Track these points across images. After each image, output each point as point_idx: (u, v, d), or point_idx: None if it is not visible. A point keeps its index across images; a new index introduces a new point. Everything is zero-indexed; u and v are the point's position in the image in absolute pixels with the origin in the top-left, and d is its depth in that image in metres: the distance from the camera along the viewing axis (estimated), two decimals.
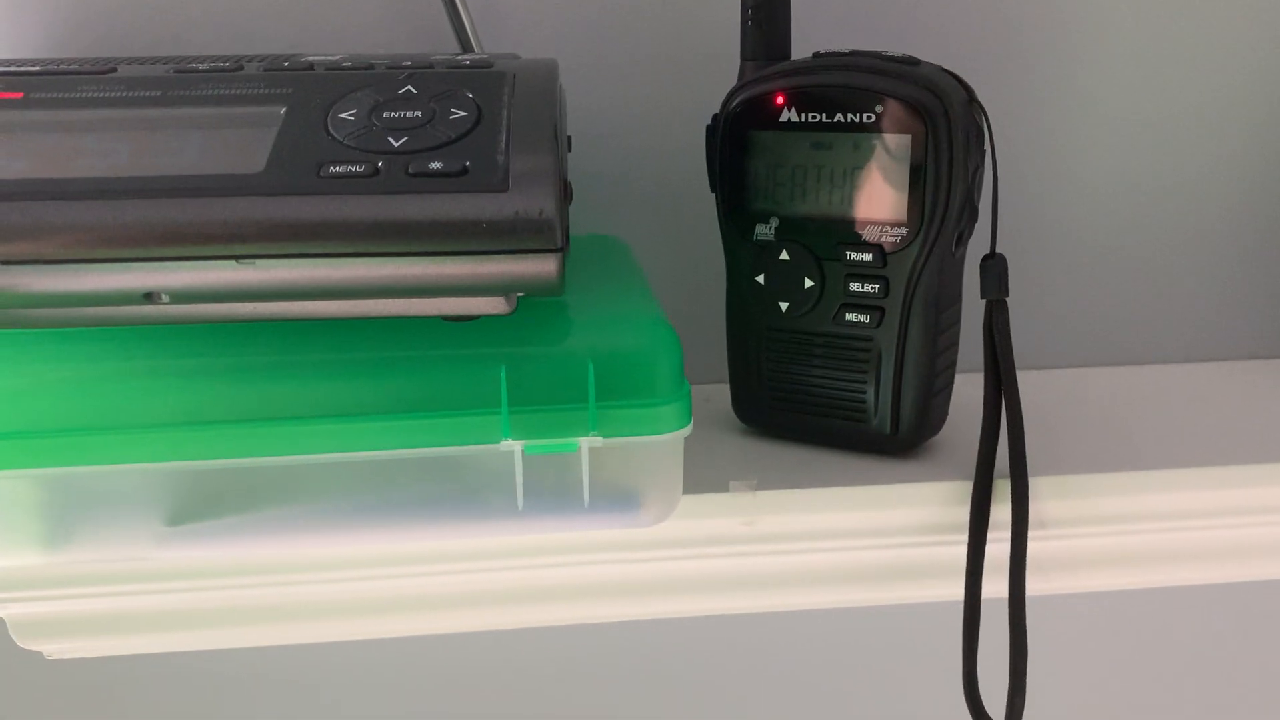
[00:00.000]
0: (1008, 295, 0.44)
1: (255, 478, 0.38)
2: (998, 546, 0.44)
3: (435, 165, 0.34)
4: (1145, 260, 0.59)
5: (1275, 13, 0.56)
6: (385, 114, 0.36)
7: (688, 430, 0.39)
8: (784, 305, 0.46)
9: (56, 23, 0.50)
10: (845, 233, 0.44)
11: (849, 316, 0.45)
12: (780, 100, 0.44)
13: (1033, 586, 0.44)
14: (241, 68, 0.39)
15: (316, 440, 0.37)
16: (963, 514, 0.44)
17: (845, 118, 0.43)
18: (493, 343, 0.37)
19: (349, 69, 0.39)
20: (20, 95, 0.37)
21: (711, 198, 0.47)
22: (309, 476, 0.38)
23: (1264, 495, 0.46)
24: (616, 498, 0.39)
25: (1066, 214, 0.58)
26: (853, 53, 0.44)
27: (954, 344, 0.47)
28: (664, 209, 0.55)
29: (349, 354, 0.37)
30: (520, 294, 0.35)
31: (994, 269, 0.44)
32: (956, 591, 0.44)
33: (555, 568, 0.45)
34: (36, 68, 0.39)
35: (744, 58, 0.46)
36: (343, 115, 0.36)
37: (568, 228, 0.37)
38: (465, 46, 0.50)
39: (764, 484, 0.44)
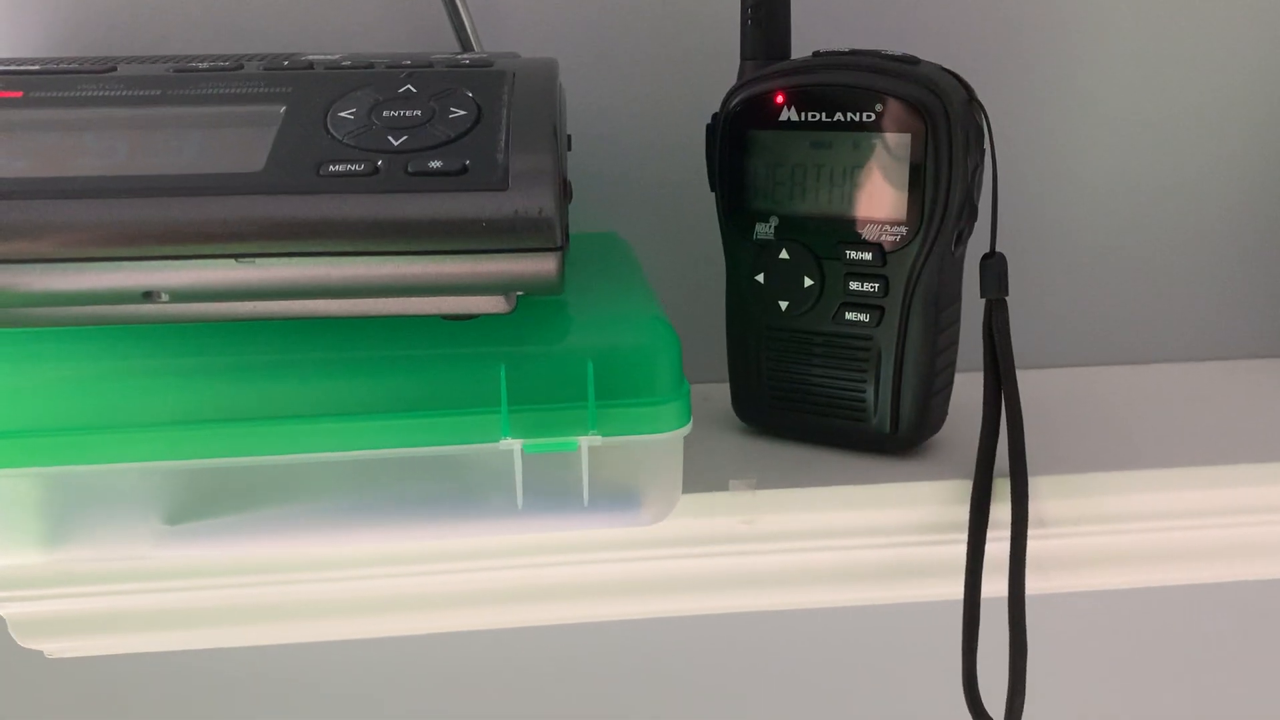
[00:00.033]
0: (1007, 294, 0.44)
1: (254, 477, 0.38)
2: (997, 545, 0.44)
3: (435, 164, 0.34)
4: (1145, 259, 0.59)
5: (1275, 13, 0.56)
6: (385, 113, 0.36)
7: (687, 429, 0.39)
8: (784, 304, 0.46)
9: (57, 23, 0.50)
10: (845, 232, 0.44)
11: (849, 315, 0.45)
12: (780, 99, 0.44)
13: (1032, 585, 0.44)
14: (241, 67, 0.39)
15: (316, 439, 0.37)
16: (962, 513, 0.44)
17: (845, 117, 0.43)
18: (492, 341, 0.37)
19: (349, 68, 0.39)
20: (20, 94, 0.37)
21: (711, 197, 0.47)
22: (308, 475, 0.38)
23: (1264, 494, 0.46)
24: (616, 496, 0.39)
25: (1066, 213, 0.58)
26: (852, 52, 0.44)
27: (954, 343, 0.47)
28: (664, 208, 0.55)
29: (348, 353, 0.37)
30: (520, 293, 0.35)
31: (994, 268, 0.44)
32: (956, 590, 0.44)
33: (555, 566, 0.45)
34: (36, 67, 0.39)
35: (744, 57, 0.46)
36: (342, 114, 0.36)
37: (567, 226, 0.37)
38: (465, 45, 0.50)
39: (764, 483, 0.44)
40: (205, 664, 0.62)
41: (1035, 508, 0.44)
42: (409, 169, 0.33)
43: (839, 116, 0.43)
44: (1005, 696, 0.44)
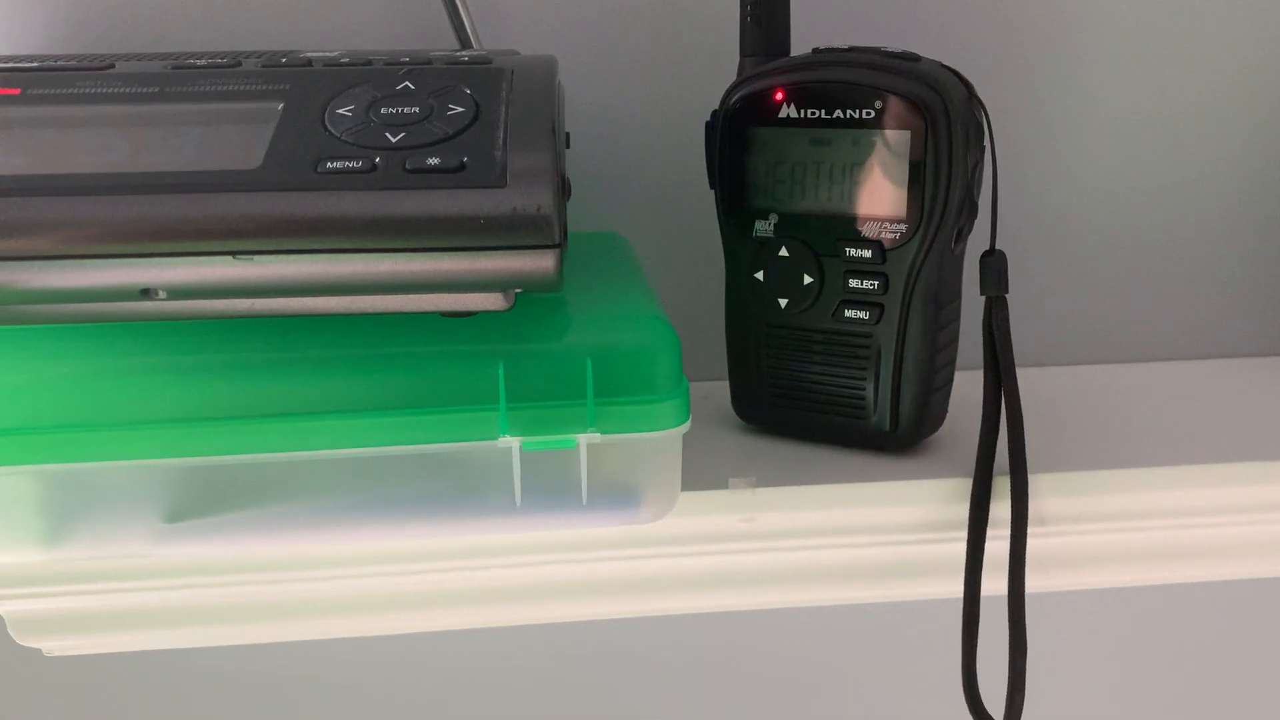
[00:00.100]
0: (1007, 292, 0.44)
1: (253, 474, 0.37)
2: (997, 544, 0.44)
3: (433, 161, 0.33)
4: (1145, 258, 0.59)
5: (1275, 13, 0.56)
6: (383, 110, 0.36)
7: (686, 427, 0.39)
8: (783, 302, 0.46)
9: (56, 22, 0.50)
10: (845, 229, 0.44)
11: (848, 313, 0.45)
12: (779, 96, 0.44)
13: (1032, 584, 0.44)
14: (239, 64, 0.39)
15: (314, 436, 0.37)
16: (962, 511, 0.44)
17: (845, 114, 0.43)
18: (491, 339, 0.37)
19: (347, 65, 0.39)
20: (18, 91, 0.37)
21: (711, 194, 0.47)
22: (307, 473, 0.38)
23: (1263, 493, 0.46)
24: (615, 494, 0.39)
25: (1066, 211, 0.58)
26: (852, 49, 0.44)
27: (953, 341, 0.47)
28: (663, 206, 0.55)
29: (347, 350, 0.37)
30: (518, 290, 0.35)
31: (994, 265, 0.44)
32: (956, 589, 0.44)
33: (554, 564, 0.45)
34: (34, 64, 0.39)
35: (743, 54, 0.46)
36: (340, 111, 0.36)
37: (565, 224, 0.37)
38: (464, 43, 0.50)
39: (763, 481, 0.44)
40: (204, 662, 0.62)
41: (1035, 506, 0.44)
42: (407, 166, 0.33)
43: (839, 113, 0.43)
44: (1005, 695, 0.44)
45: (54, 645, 0.45)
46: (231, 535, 0.38)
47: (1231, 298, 0.60)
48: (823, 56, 0.44)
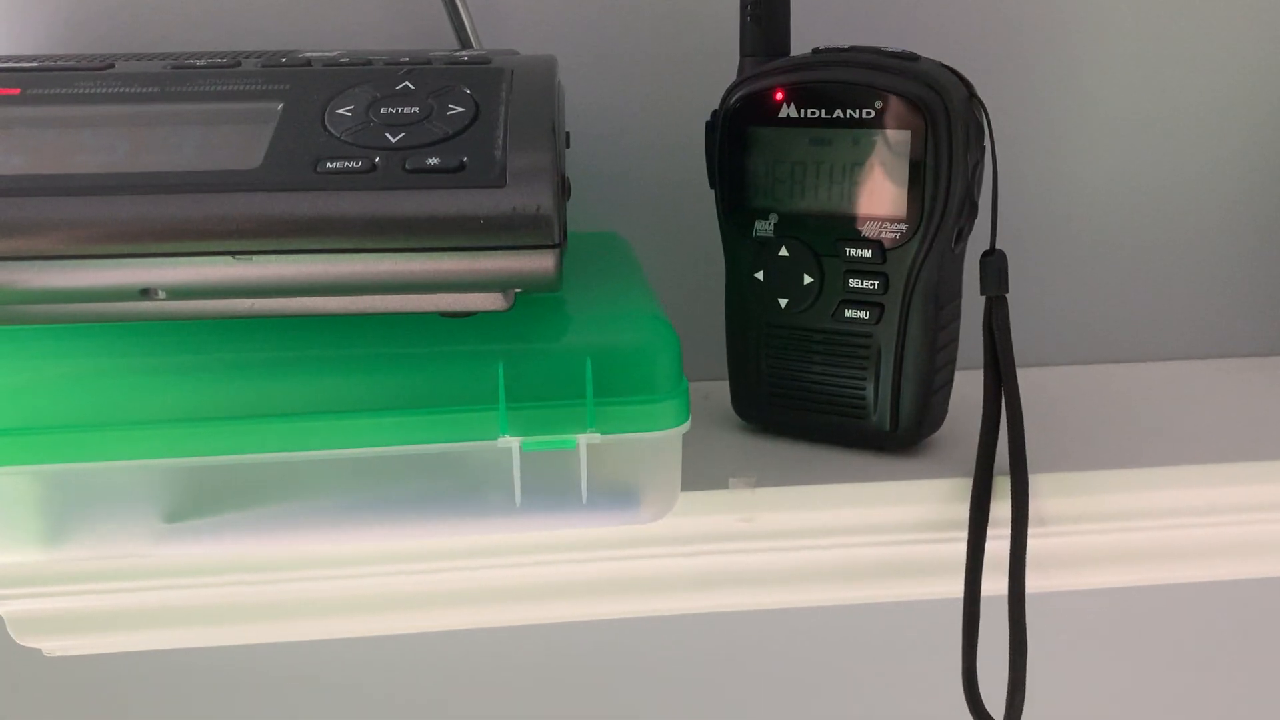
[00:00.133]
0: (1008, 291, 0.44)
1: (253, 474, 0.37)
2: (997, 543, 0.44)
3: (432, 161, 0.33)
4: (1145, 257, 0.59)
5: (1275, 13, 0.56)
6: (383, 110, 0.36)
7: (686, 427, 0.39)
8: (783, 302, 0.46)
9: (57, 22, 0.50)
10: (845, 229, 0.44)
11: (848, 313, 0.45)
12: (779, 96, 0.44)
13: (1032, 583, 0.44)
14: (239, 64, 0.39)
15: (314, 436, 0.37)
16: (962, 511, 0.44)
17: (845, 114, 0.43)
18: (490, 339, 0.37)
19: (346, 65, 0.39)
20: (17, 91, 0.37)
21: (711, 194, 0.47)
22: (307, 473, 0.38)
23: (1263, 492, 0.46)
24: (615, 494, 0.39)
25: (1066, 210, 0.58)
26: (852, 49, 0.44)
27: (954, 340, 0.47)
28: (663, 206, 0.55)
29: (346, 350, 0.37)
30: (518, 290, 0.35)
31: (994, 265, 0.44)
32: (956, 588, 0.44)
33: (553, 564, 0.45)
34: (34, 64, 0.39)
35: (743, 54, 0.46)
36: (340, 111, 0.36)
37: (565, 224, 0.37)
38: (464, 43, 0.50)
39: (763, 481, 0.44)
40: (203, 662, 0.62)
41: (1035, 506, 0.44)
42: (407, 166, 0.33)
43: (839, 113, 0.43)
44: (1005, 695, 0.44)
45: (54, 645, 0.45)
46: (231, 535, 0.38)
47: (1231, 298, 0.60)
48: (822, 56, 0.44)
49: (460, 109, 0.36)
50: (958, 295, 0.46)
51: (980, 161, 0.44)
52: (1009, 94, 0.55)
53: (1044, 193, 0.57)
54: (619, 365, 0.37)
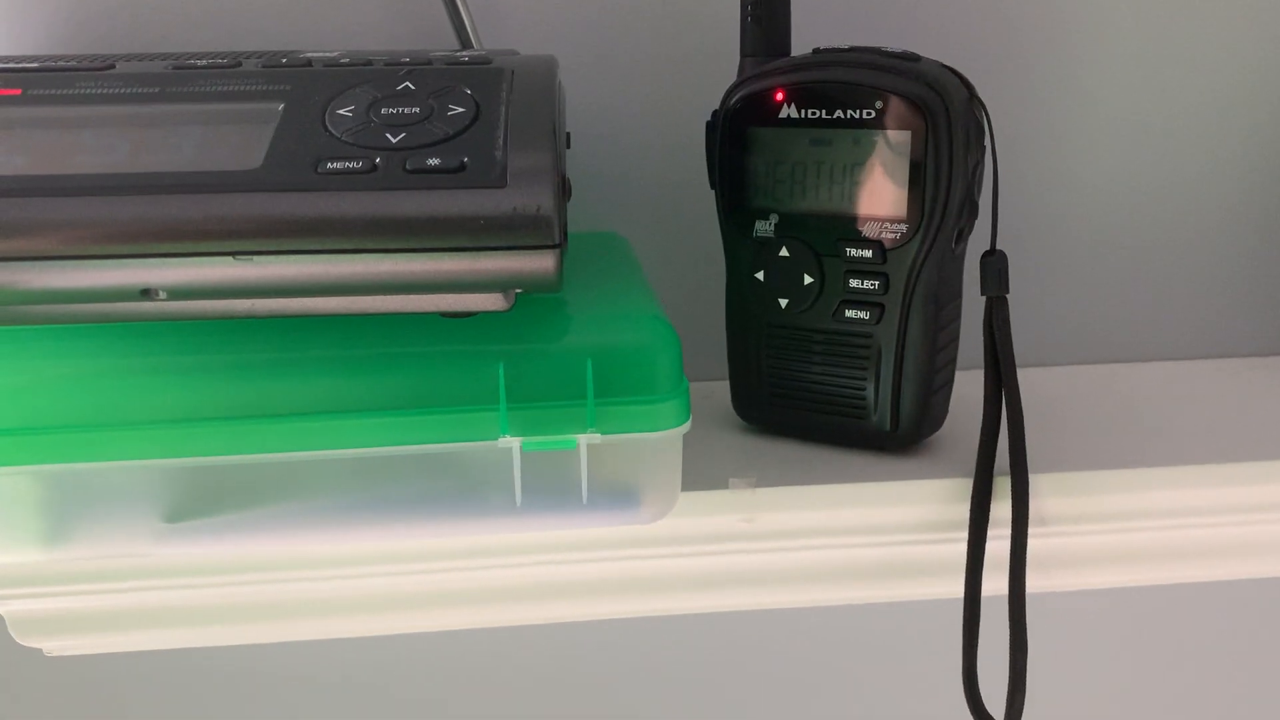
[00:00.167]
0: (1008, 292, 0.44)
1: (253, 474, 0.38)
2: (998, 544, 0.44)
3: (433, 161, 0.33)
4: (1146, 257, 0.59)
5: (1275, 13, 0.56)
6: (383, 110, 0.36)
7: (687, 427, 0.39)
8: (784, 302, 0.46)
9: (58, 22, 0.50)
10: (845, 229, 0.44)
11: (849, 313, 0.45)
12: (780, 97, 0.44)
13: (1033, 584, 0.44)
14: (240, 64, 0.39)
15: (315, 437, 0.37)
16: (963, 511, 0.44)
17: (845, 114, 0.43)
18: (491, 339, 0.37)
19: (347, 65, 0.39)
20: (18, 91, 0.37)
21: (711, 194, 0.47)
22: (307, 473, 0.38)
23: (1264, 493, 0.46)
24: (615, 495, 0.39)
25: (1067, 211, 0.58)
26: (853, 49, 0.44)
27: (954, 340, 0.47)
28: (664, 206, 0.55)
29: (347, 350, 0.37)
30: (518, 290, 0.35)
31: (994, 265, 0.44)
32: (957, 589, 0.44)
33: (554, 565, 0.45)
34: (35, 64, 0.39)
35: (743, 54, 0.46)
36: (341, 111, 0.36)
37: (566, 224, 0.37)
38: (465, 43, 0.50)
39: (764, 481, 0.44)
40: (204, 662, 0.62)
41: (1036, 506, 0.44)
42: (407, 166, 0.33)
43: (839, 114, 0.43)
44: (1006, 695, 0.44)
45: (55, 645, 0.45)
46: (232, 535, 0.39)
47: (1231, 298, 0.60)
48: (823, 57, 0.44)
49: (461, 109, 0.36)
50: (958, 295, 0.46)
51: (981, 162, 0.44)
52: (1009, 94, 0.55)
53: (1044, 193, 0.57)
54: (619, 365, 0.37)
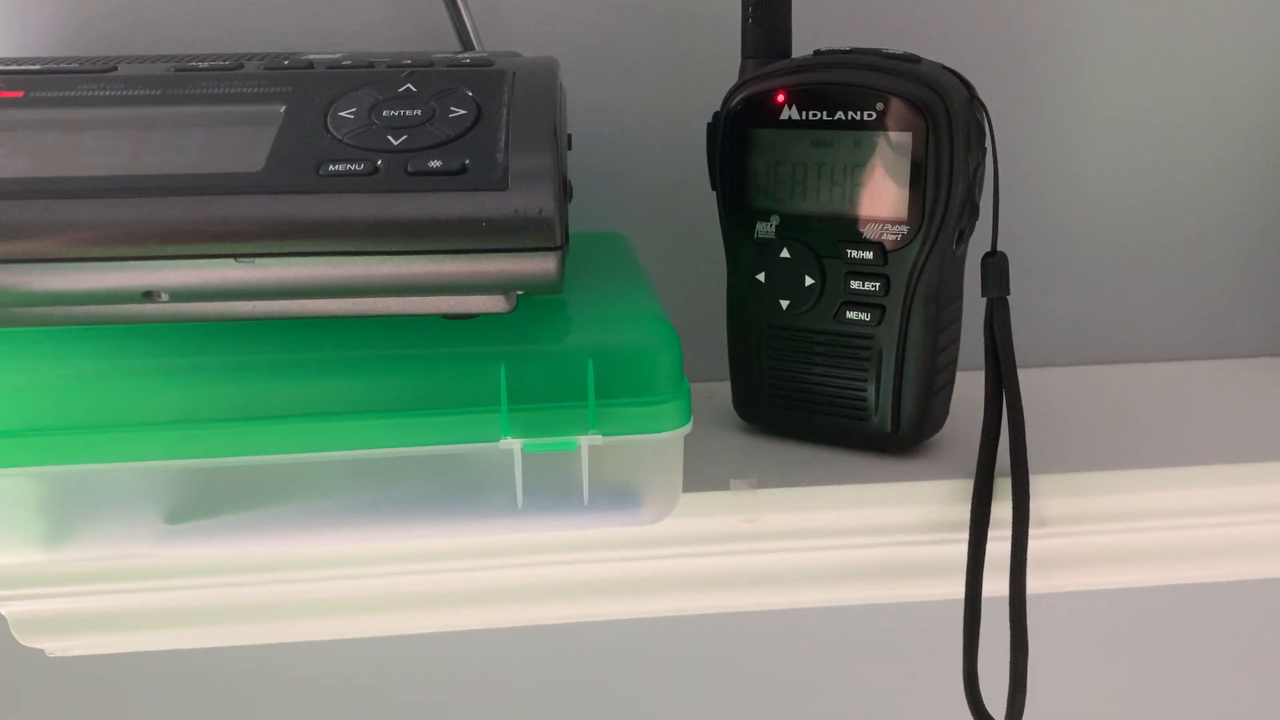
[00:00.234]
0: (1009, 293, 0.44)
1: (255, 475, 0.38)
2: (999, 545, 0.44)
3: (434, 164, 0.34)
4: (1146, 258, 0.59)
5: (1275, 13, 0.56)
6: (385, 112, 0.36)
7: (688, 428, 0.39)
8: (785, 303, 0.46)
9: (59, 22, 0.50)
10: (846, 230, 0.44)
11: (850, 314, 0.45)
12: (781, 98, 0.44)
13: (1034, 584, 0.44)
14: (241, 66, 0.39)
15: (316, 438, 0.37)
16: (964, 512, 0.44)
17: (846, 115, 0.43)
18: (492, 341, 0.37)
19: (349, 67, 0.39)
20: (21, 94, 0.37)
21: (712, 196, 0.47)
22: (309, 474, 0.38)
23: (1265, 493, 0.46)
24: (616, 495, 0.39)
25: (1068, 212, 0.58)
26: (853, 50, 0.44)
27: (955, 342, 0.47)
28: (665, 207, 0.55)
29: (348, 352, 0.37)
30: (520, 292, 0.35)
31: (995, 267, 0.44)
32: (957, 589, 0.44)
33: (555, 565, 0.45)
34: (37, 66, 0.39)
35: (744, 55, 0.46)
36: (342, 114, 0.36)
37: (567, 226, 0.37)
38: (466, 45, 0.50)
39: (764, 482, 0.44)
40: (206, 663, 0.63)
41: (1036, 506, 0.44)
42: (409, 168, 0.33)
43: (840, 115, 0.43)
44: (1006, 696, 0.44)
45: (57, 646, 0.45)
46: (234, 536, 0.39)
47: (1231, 298, 0.60)
48: (824, 58, 0.44)
49: (462, 111, 0.36)
50: (959, 297, 0.46)
51: (981, 163, 0.44)
52: (1009, 95, 0.55)
53: (1044, 193, 0.57)
54: (621, 366, 0.37)
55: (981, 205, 0.45)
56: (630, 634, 0.64)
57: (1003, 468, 0.44)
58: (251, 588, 0.44)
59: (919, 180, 0.42)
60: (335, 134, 0.35)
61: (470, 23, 0.49)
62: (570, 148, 0.43)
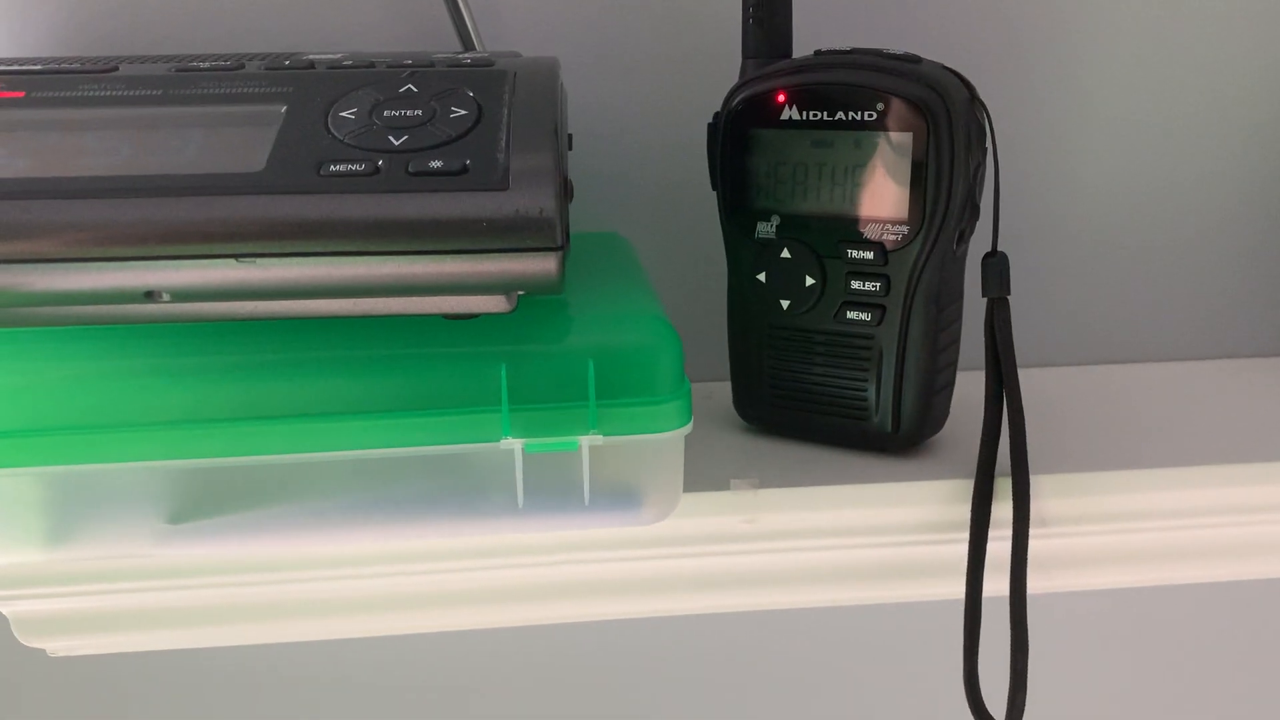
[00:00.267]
0: (1009, 293, 0.44)
1: (256, 475, 0.38)
2: (999, 545, 0.44)
3: (435, 164, 0.34)
4: (1146, 258, 0.59)
5: (1275, 13, 0.56)
6: (386, 112, 0.36)
7: (688, 428, 0.39)
8: (785, 303, 0.46)
9: (59, 22, 0.50)
10: (846, 231, 0.44)
11: (850, 314, 0.45)
12: (781, 98, 0.44)
13: (1034, 584, 0.44)
14: (242, 66, 0.39)
15: (317, 438, 0.37)
16: (964, 512, 0.44)
17: (846, 115, 0.43)
18: (493, 341, 0.37)
19: (350, 67, 0.39)
20: (22, 94, 0.37)
21: (713, 196, 0.47)
22: (310, 474, 0.38)
23: (1265, 493, 0.46)
24: (617, 496, 0.39)
25: (1068, 212, 0.58)
26: (854, 50, 0.44)
27: (955, 342, 0.47)
28: (665, 207, 0.55)
29: (349, 352, 0.37)
30: (521, 292, 0.35)
31: (995, 267, 0.44)
32: (958, 589, 0.44)
33: (556, 565, 0.45)
34: (38, 66, 0.39)
35: (745, 55, 0.46)
36: (343, 114, 0.36)
37: (568, 226, 0.37)
38: (467, 45, 0.50)
39: (765, 482, 0.44)
40: (207, 662, 0.63)
41: (1036, 506, 0.44)
42: (410, 169, 0.33)
43: (840, 115, 0.43)
44: (1007, 695, 0.44)
45: (58, 645, 0.45)
46: (235, 536, 0.39)
47: (1231, 298, 0.60)
48: (824, 58, 0.44)
49: (463, 112, 0.36)
50: (959, 297, 0.46)
51: (982, 163, 0.44)
52: (1010, 95, 0.55)
53: (1044, 193, 0.57)
54: (621, 367, 0.37)
55: (982, 205, 0.45)
56: (630, 634, 0.64)
57: (1003, 468, 0.44)
58: (251, 588, 0.44)
59: (919, 180, 0.42)
60: (336, 134, 0.35)
61: (471, 23, 0.49)
62: (571, 148, 0.43)
